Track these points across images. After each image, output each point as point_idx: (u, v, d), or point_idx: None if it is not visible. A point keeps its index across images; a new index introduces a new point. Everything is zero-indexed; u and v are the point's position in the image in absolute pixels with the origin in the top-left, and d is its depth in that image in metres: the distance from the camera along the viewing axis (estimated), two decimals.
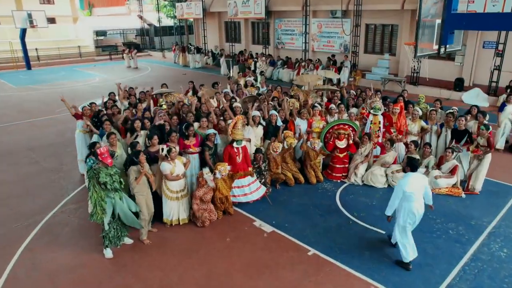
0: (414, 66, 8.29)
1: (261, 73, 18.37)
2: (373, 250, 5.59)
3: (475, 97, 13.94)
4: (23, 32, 23.43)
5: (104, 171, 5.29)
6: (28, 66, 24.71)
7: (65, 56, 28.94)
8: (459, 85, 14.80)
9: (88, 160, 6.07)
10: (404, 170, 5.24)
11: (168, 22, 35.09)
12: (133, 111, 8.59)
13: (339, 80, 16.77)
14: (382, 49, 18.35)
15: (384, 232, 6.02)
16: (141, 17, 32.64)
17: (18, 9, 28.09)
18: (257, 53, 21.63)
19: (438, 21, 6.25)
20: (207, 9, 26.05)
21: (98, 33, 32.81)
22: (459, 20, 6.19)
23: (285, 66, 19.70)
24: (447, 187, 7.29)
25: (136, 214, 5.75)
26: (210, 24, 26.92)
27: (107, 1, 40.72)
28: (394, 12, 16.69)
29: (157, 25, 32.47)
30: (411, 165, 5.21)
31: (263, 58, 20.23)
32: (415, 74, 15.86)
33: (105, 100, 8.89)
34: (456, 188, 7.30)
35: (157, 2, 31.50)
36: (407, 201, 5.05)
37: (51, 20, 34.94)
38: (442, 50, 6.71)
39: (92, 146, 6.23)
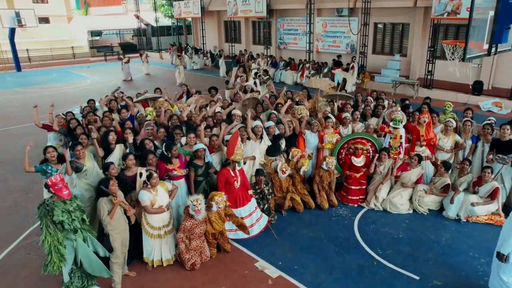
0: (455, 71, 6.95)
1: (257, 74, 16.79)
2: None
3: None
4: (12, 32, 22.25)
5: (60, 207, 4.09)
6: (18, 68, 23.54)
7: (58, 57, 27.74)
8: (478, 88, 13.58)
9: (44, 167, 4.96)
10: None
11: (166, 22, 33.91)
12: (116, 117, 7.45)
13: (345, 82, 15.56)
14: (392, 50, 17.15)
15: (418, 278, 4.82)
16: (138, 17, 31.45)
17: (9, 7, 26.93)
18: (257, 54, 20.42)
19: (491, 13, 5.03)
20: (206, 8, 24.88)
21: (93, 33, 31.62)
22: None
23: (288, 68, 18.52)
24: (486, 215, 6.09)
25: (106, 258, 4.56)
26: (209, 23, 25.75)
27: (103, 0, 39.55)
28: (405, 10, 15.49)
29: (155, 25, 31.29)
30: None
31: (259, 60, 19.03)
32: (429, 77, 14.68)
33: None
34: (497, 215, 6.09)
35: (155, 1, 30.33)
36: None
37: (45, 20, 33.89)
38: (493, 50, 5.51)
39: (44, 152, 5.02)
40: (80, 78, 20.88)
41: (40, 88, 17.89)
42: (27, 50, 25.76)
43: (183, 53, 23.92)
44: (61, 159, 5.12)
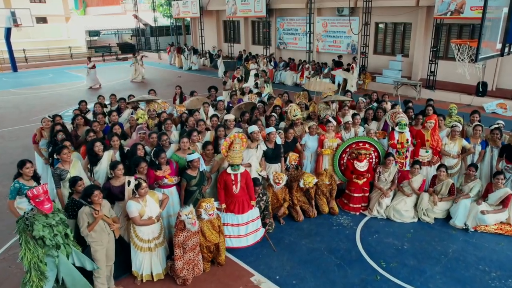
0: (464, 72, 6.63)
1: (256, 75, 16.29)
2: None
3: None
4: (8, 31, 21.95)
5: (41, 221, 3.77)
6: (14, 68, 23.22)
7: (55, 57, 27.41)
8: (482, 90, 13.23)
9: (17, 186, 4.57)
10: None
11: (164, 21, 33.60)
12: (106, 120, 7.15)
13: (345, 83, 15.22)
14: (394, 50, 16.84)
15: None
16: (136, 17, 31.14)
17: (6, 7, 26.61)
18: (257, 54, 20.10)
19: (505, 10, 4.72)
20: (205, 7, 24.57)
21: (91, 33, 31.29)
22: None
23: (288, 68, 18.20)
24: (495, 224, 5.77)
25: (90, 274, 4.25)
26: (207, 23, 25.44)
27: (101, 0, 39.26)
28: (408, 9, 15.18)
29: (153, 24, 30.99)
30: None
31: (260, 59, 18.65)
32: (431, 77, 14.36)
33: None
34: (508, 225, 5.77)
35: (153, 1, 30.02)
36: None
37: (43, 20, 33.63)
38: (507, 50, 5.20)
39: (21, 165, 4.61)
40: (76, 79, 20.57)
41: (34, 89, 17.58)
42: (23, 50, 25.46)
43: (181, 54, 23.69)
44: (35, 176, 4.78)
